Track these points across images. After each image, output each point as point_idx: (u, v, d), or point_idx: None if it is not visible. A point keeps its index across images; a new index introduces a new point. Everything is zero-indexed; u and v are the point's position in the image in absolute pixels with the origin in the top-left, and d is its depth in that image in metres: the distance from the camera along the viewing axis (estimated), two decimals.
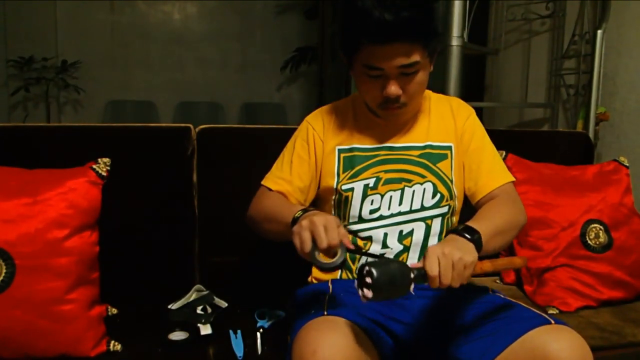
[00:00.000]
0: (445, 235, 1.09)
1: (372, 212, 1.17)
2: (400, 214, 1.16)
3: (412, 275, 0.88)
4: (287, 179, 1.21)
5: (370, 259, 0.96)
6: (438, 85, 2.32)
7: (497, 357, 0.93)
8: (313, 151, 1.22)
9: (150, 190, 1.47)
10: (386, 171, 1.18)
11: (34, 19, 4.40)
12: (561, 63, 2.82)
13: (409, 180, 1.17)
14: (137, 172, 1.44)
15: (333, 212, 1.22)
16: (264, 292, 1.47)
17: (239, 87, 5.06)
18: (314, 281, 1.24)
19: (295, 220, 1.00)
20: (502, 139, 1.43)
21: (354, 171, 1.19)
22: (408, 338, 1.07)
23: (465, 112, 1.26)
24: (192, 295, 1.43)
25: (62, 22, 4.53)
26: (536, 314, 1.01)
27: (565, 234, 1.53)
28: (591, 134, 2.32)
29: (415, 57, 1.05)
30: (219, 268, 1.53)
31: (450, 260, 0.89)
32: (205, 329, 1.26)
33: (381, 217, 1.17)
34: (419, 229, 1.17)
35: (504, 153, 1.62)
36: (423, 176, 1.18)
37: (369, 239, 1.17)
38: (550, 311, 1.45)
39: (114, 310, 1.35)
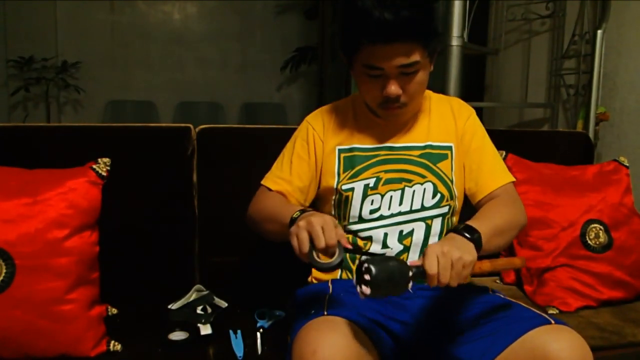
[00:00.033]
0: (446, 235, 1.09)
1: (372, 212, 1.17)
2: (400, 214, 1.16)
3: (410, 273, 0.88)
4: (287, 178, 1.21)
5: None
6: (438, 85, 2.32)
7: (497, 357, 0.93)
8: (313, 151, 1.22)
9: (150, 190, 1.47)
10: (386, 171, 1.18)
11: (34, 19, 4.40)
12: (561, 63, 2.82)
13: (409, 180, 1.17)
14: (137, 172, 1.44)
15: (333, 212, 1.22)
16: (264, 292, 1.47)
17: (239, 87, 5.06)
18: (314, 281, 1.24)
19: (292, 221, 1.00)
20: (502, 139, 1.43)
21: (354, 171, 1.19)
22: (408, 338, 1.07)
23: (465, 113, 1.26)
24: (192, 295, 1.43)
25: (62, 22, 4.53)
26: (536, 314, 1.01)
27: (565, 234, 1.53)
28: (591, 134, 2.32)
29: (415, 57, 1.05)
30: (219, 268, 1.53)
31: (450, 259, 0.89)
32: (205, 329, 1.26)
33: (381, 217, 1.17)
34: (419, 229, 1.17)
35: (504, 153, 1.62)
36: (423, 176, 1.18)
37: (369, 239, 1.17)
38: (550, 311, 1.45)
39: (114, 310, 1.35)
